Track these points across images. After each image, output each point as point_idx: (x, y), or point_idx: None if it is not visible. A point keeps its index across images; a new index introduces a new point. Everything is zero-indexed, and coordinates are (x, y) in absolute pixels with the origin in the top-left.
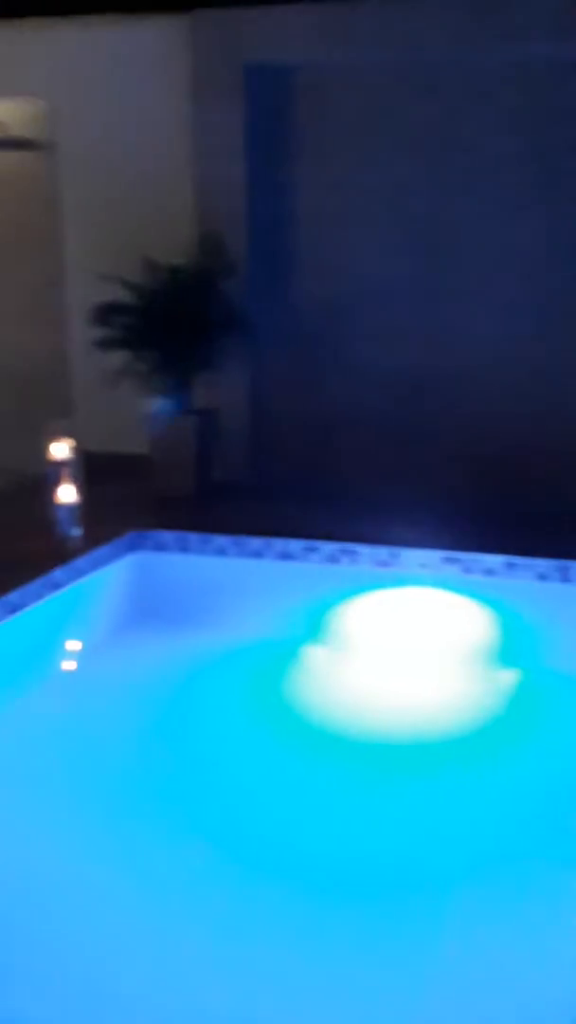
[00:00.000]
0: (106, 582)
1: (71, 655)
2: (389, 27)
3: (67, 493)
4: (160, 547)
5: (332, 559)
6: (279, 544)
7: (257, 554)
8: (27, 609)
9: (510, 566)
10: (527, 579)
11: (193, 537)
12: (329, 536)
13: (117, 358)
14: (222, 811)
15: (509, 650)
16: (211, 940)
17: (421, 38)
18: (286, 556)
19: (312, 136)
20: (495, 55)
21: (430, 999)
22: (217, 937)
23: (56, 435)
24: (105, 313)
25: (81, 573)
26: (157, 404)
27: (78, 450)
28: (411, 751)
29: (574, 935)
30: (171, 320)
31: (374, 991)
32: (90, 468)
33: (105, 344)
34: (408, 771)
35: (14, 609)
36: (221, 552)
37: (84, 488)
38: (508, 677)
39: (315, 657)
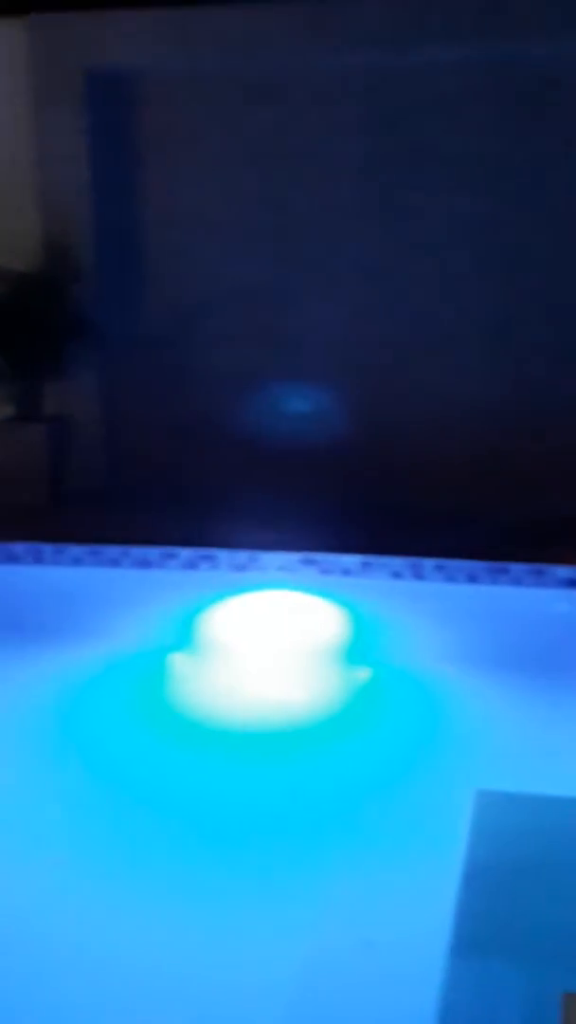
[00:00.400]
0: None
1: None
2: (230, 34)
3: None
4: (12, 559)
5: (191, 565)
6: (137, 552)
7: (114, 563)
8: None
9: (366, 565)
10: (382, 578)
11: (47, 548)
12: (187, 542)
13: None
14: (92, 808)
15: (362, 648)
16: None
17: (263, 45)
18: (144, 564)
19: (159, 140)
20: (336, 62)
21: (298, 935)
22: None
23: None
24: None
25: None
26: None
27: None
28: (271, 745)
29: (412, 884)
30: (16, 327)
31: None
32: None
33: None
34: (268, 761)
35: None
36: (77, 562)
37: None
38: (360, 674)
39: (177, 663)
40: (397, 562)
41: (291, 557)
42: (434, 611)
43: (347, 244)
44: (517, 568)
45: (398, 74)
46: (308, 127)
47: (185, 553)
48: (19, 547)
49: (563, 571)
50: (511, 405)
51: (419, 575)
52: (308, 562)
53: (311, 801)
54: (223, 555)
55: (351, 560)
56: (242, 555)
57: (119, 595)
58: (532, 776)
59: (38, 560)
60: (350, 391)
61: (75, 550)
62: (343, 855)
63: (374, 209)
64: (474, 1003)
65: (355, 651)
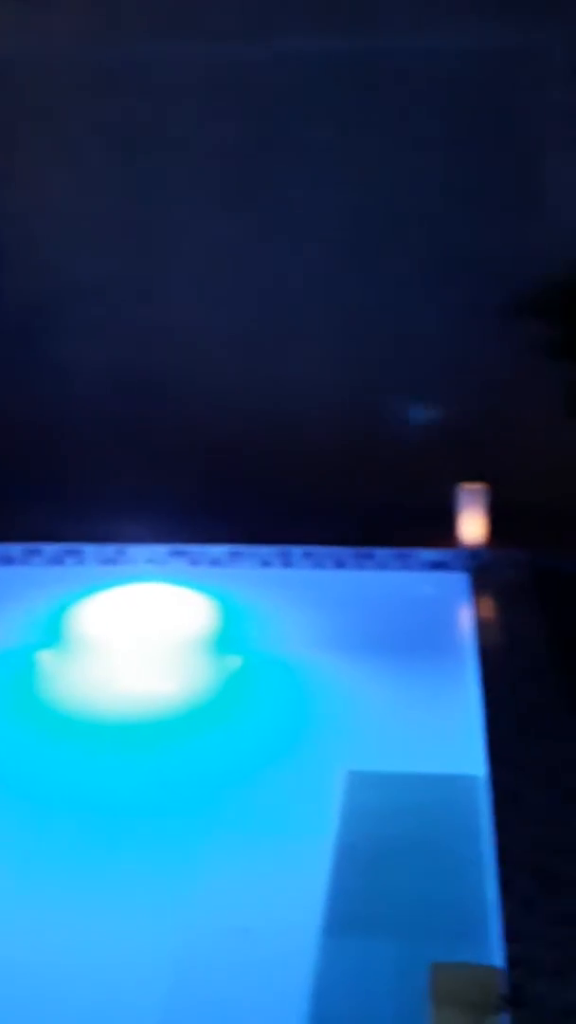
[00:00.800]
0: None
1: None
2: (87, 20)
3: None
4: None
5: (56, 561)
6: None
7: None
8: None
9: (235, 555)
10: (251, 567)
11: None
12: (52, 537)
13: None
14: None
15: (233, 637)
16: None
17: (118, 33)
18: (7, 561)
19: (11, 128)
20: (194, 52)
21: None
22: None
23: None
24: None
25: None
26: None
27: None
28: (144, 736)
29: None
30: None
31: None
32: None
33: None
34: (141, 753)
35: None
36: None
37: None
38: (231, 663)
39: (47, 661)
40: (265, 551)
41: (159, 549)
42: (303, 598)
43: (210, 236)
44: (382, 553)
45: (259, 64)
46: (169, 118)
47: (50, 549)
48: None
49: (427, 554)
50: (374, 394)
51: (287, 563)
52: (177, 554)
53: (186, 791)
54: (90, 549)
55: (220, 550)
56: (109, 549)
57: None
58: (401, 755)
59: None
60: (213, 381)
61: None
62: (217, 843)
63: (235, 200)
64: (346, 980)
65: (226, 640)
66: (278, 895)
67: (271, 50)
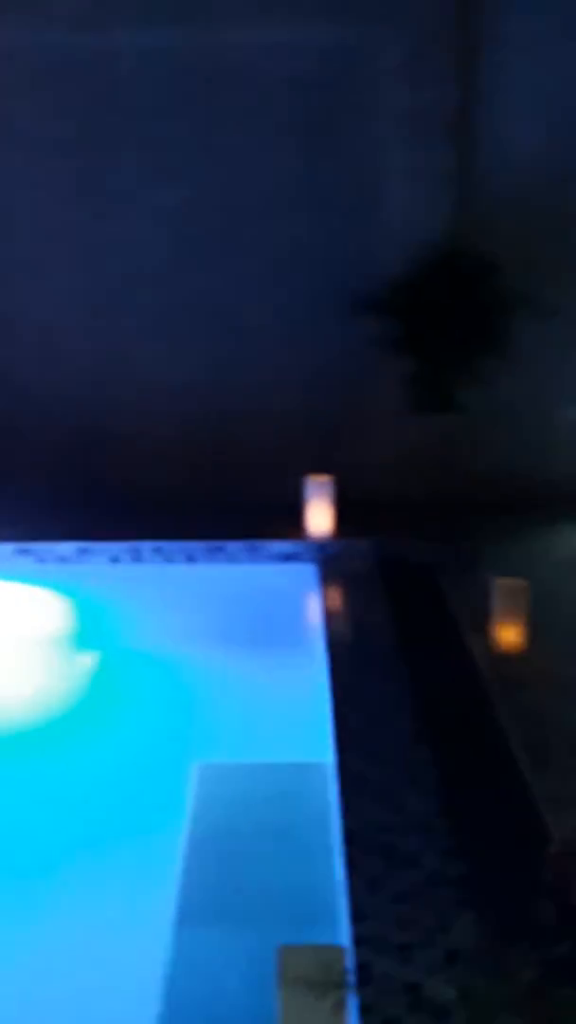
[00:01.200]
0: None
1: None
2: None
3: None
4: None
5: None
6: None
7: None
8: None
9: (83, 552)
10: (100, 563)
11: None
12: None
13: None
14: None
15: (85, 635)
16: None
17: None
18: None
19: None
20: (37, 42)
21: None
22: None
23: None
24: None
25: None
26: None
27: None
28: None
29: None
30: None
31: None
32: None
33: None
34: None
35: None
36: None
37: None
38: (86, 659)
39: None
40: (115, 547)
41: (3, 547)
42: (154, 593)
43: (57, 227)
44: (232, 546)
45: (102, 54)
46: (12, 108)
47: None
48: None
49: (276, 546)
50: (222, 391)
51: (138, 558)
52: (23, 552)
53: (39, 790)
54: None
55: (67, 547)
56: None
57: None
58: (251, 746)
59: None
60: (59, 377)
61: None
62: (69, 839)
63: (76, 193)
64: (198, 970)
65: (77, 637)
66: (130, 889)
67: (111, 42)
